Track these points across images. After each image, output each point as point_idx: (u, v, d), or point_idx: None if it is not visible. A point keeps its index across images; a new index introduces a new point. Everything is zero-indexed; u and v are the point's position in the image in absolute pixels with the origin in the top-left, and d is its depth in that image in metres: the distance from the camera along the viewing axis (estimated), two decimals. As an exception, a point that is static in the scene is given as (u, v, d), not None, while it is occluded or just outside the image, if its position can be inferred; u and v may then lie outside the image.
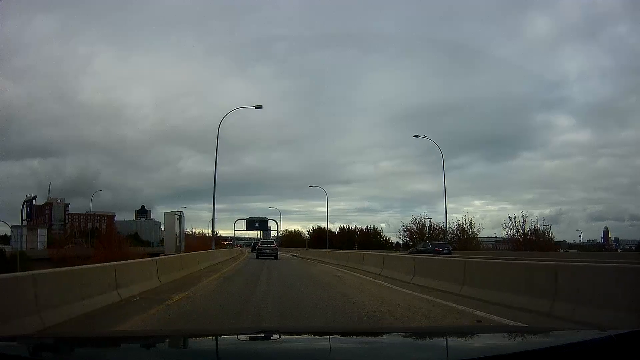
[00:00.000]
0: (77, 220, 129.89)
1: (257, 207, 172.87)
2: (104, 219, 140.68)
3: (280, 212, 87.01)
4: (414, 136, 43.06)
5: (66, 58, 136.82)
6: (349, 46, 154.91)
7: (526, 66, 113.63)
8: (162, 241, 53.95)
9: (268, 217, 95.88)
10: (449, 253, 30.77)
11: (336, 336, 2.55)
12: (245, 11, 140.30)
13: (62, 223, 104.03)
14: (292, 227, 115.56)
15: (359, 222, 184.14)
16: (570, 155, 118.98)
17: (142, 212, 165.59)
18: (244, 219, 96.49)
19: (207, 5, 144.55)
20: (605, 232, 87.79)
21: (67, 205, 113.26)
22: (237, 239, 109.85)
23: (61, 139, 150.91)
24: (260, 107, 33.15)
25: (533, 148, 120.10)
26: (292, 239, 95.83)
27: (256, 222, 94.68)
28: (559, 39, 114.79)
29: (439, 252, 30.18)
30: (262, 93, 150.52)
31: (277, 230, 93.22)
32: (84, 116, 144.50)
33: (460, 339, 2.40)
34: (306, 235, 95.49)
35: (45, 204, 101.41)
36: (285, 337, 2.51)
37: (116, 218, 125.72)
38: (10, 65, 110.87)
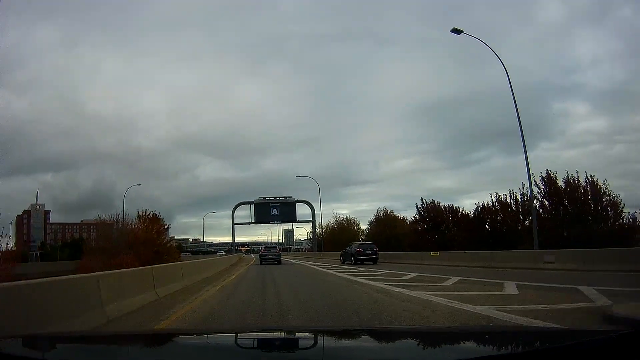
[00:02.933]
0: (68, 229, 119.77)
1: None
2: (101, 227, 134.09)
3: (319, 186, 56.49)
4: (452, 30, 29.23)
5: (72, 67, 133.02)
6: (363, 39, 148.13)
7: (540, 52, 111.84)
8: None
9: (294, 196, 68.36)
10: (374, 255, 28.65)
11: (339, 336, 2.53)
12: (254, 8, 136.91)
13: (47, 233, 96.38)
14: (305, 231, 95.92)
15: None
16: (587, 144, 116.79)
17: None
18: (250, 203, 66.95)
19: (214, 3, 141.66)
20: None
21: (47, 212, 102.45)
22: (246, 245, 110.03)
23: (73, 151, 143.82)
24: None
25: (551, 138, 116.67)
26: (340, 236, 55.09)
27: (274, 206, 65.54)
28: (571, 23, 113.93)
29: (360, 253, 28.81)
30: (277, 93, 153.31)
31: (314, 220, 64.22)
32: (96, 126, 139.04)
33: (460, 339, 2.37)
34: (366, 226, 56.86)
35: (24, 212, 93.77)
36: (289, 336, 2.65)
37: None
38: (13, 77, 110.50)
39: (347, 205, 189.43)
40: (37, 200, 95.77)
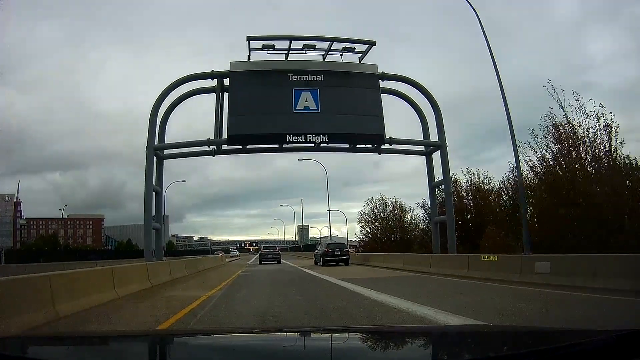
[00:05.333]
0: (54, 225, 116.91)
1: (291, 211, 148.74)
2: (89, 224, 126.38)
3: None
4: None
5: (77, 65, 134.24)
6: (375, 36, 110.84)
7: (554, 49, 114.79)
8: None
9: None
10: (343, 255, 26.50)
11: (338, 335, 2.51)
12: (264, 5, 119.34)
13: (20, 227, 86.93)
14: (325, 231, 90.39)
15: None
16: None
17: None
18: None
19: (224, 0, 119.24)
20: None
21: (18, 204, 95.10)
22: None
23: (81, 150, 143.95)
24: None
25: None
26: None
27: (300, 83, 17.27)
28: (584, 19, 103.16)
29: (328, 253, 26.65)
30: None
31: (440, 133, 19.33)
32: (104, 125, 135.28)
33: (460, 339, 2.31)
34: None
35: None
36: (291, 336, 2.59)
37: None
38: (17, 76, 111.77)
39: (356, 204, 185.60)
40: (18, 192, 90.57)
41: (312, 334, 2.60)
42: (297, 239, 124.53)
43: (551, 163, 18.52)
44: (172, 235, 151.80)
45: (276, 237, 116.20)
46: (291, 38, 18.59)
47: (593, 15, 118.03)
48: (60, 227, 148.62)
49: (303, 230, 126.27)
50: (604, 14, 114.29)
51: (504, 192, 27.12)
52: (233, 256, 62.90)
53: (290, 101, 18.16)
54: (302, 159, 40.55)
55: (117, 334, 3.46)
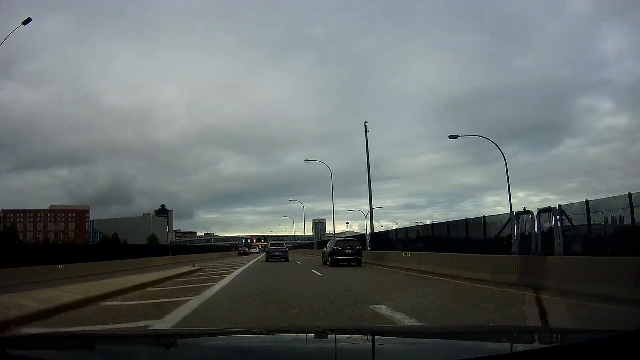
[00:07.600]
0: (30, 217, 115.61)
1: (302, 208, 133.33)
2: (72, 216, 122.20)
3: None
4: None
5: (85, 58, 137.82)
6: (390, 31, 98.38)
7: (568, 46, 59.00)
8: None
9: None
10: (355, 255, 24.50)
11: (343, 337, 2.51)
12: (272, 1, 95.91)
13: None
14: (339, 227, 78.64)
15: (404, 219, 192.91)
16: (611, 141, 76.28)
17: (163, 212, 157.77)
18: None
19: None
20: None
21: None
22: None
23: (89, 144, 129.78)
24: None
25: (575, 134, 67.92)
26: None
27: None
28: (598, 16, 67.79)
29: (337, 252, 24.58)
30: (300, 86, 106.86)
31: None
32: (112, 119, 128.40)
33: (460, 339, 2.37)
34: None
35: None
36: (294, 336, 2.59)
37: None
38: (23, 69, 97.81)
39: (364, 202, 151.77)
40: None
41: (319, 335, 2.58)
42: (312, 234, 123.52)
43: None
44: (174, 230, 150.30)
45: (290, 233, 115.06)
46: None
47: (606, 11, 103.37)
48: (40, 220, 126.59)
49: (319, 224, 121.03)
50: (617, 10, 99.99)
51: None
52: (253, 253, 65.80)
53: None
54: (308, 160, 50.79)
55: (118, 334, 3.42)
